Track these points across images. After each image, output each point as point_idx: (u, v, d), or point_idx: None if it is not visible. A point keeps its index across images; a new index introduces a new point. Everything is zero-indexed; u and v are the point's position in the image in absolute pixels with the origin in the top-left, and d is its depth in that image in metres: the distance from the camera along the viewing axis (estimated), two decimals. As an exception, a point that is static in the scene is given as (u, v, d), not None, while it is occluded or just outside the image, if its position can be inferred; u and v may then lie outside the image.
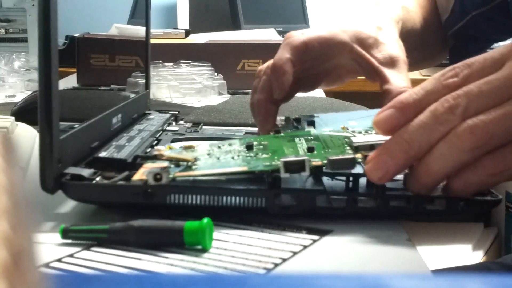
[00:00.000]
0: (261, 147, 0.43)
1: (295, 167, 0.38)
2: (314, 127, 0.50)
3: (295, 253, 0.34)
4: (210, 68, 1.03)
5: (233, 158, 0.41)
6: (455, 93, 0.37)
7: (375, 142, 0.40)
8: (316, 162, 0.39)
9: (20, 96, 0.94)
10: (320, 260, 0.33)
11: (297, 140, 0.45)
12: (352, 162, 0.38)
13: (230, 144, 0.45)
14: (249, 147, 0.43)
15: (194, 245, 0.34)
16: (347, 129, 0.47)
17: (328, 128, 0.49)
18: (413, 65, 0.79)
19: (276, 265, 0.32)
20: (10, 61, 1.18)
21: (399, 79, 0.52)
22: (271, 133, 0.50)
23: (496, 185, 0.38)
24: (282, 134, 0.48)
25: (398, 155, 0.37)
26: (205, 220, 0.34)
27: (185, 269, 0.32)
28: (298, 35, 0.53)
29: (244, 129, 0.63)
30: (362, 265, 0.33)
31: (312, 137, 0.46)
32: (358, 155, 0.39)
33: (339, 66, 0.57)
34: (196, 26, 1.81)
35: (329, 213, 0.39)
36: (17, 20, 1.58)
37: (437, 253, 0.36)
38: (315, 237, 0.36)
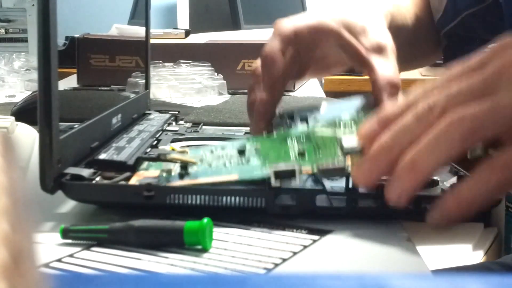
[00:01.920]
0: (253, 151, 0.43)
1: (285, 174, 0.38)
2: (307, 123, 0.50)
3: (295, 253, 0.34)
4: (210, 68, 1.03)
5: (225, 164, 0.41)
6: (436, 96, 0.37)
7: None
8: (307, 169, 0.39)
9: (20, 96, 0.94)
10: (320, 260, 0.33)
11: (289, 141, 0.45)
12: (342, 171, 0.38)
13: (222, 148, 0.45)
14: (241, 152, 0.43)
15: (194, 245, 0.34)
16: (339, 125, 0.47)
17: (321, 125, 0.48)
18: (405, 64, 0.79)
19: (276, 265, 0.32)
20: (10, 61, 1.18)
21: (385, 68, 0.51)
22: (263, 134, 0.50)
23: (499, 198, 0.36)
24: (274, 134, 0.48)
25: (380, 159, 0.36)
26: (205, 220, 0.34)
27: (185, 269, 0.32)
28: (287, 24, 0.52)
29: (244, 129, 0.63)
30: (362, 265, 0.33)
31: (304, 138, 0.46)
32: (348, 161, 0.39)
33: (327, 55, 0.56)
34: (196, 26, 1.81)
35: (329, 213, 0.39)
36: (17, 20, 1.58)
37: (437, 253, 0.36)
38: (315, 237, 0.36)
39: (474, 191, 0.35)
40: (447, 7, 0.73)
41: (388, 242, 0.36)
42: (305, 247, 0.35)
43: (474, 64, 0.38)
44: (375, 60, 0.52)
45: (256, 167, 0.40)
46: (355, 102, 0.53)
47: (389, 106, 0.39)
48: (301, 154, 0.41)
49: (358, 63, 0.53)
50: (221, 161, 0.42)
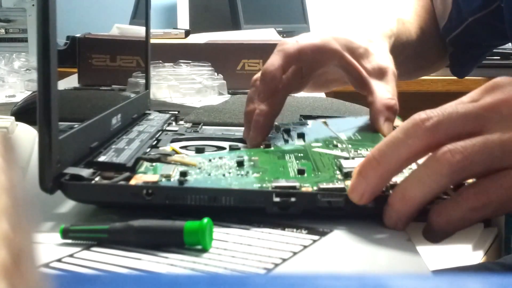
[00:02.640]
0: (252, 163, 0.44)
1: (285, 193, 0.38)
2: (304, 140, 0.51)
3: (295, 253, 0.34)
4: (210, 68, 1.03)
5: (224, 175, 0.41)
6: (429, 110, 0.37)
7: None
8: (307, 188, 0.39)
9: (20, 96, 0.94)
10: (320, 260, 0.33)
11: (287, 157, 0.45)
12: (342, 191, 0.38)
13: (220, 158, 0.45)
14: (240, 164, 0.43)
15: (194, 245, 0.34)
16: (337, 146, 0.48)
17: (318, 144, 0.49)
18: (412, 74, 0.80)
19: (276, 265, 0.32)
20: (10, 61, 1.18)
21: (384, 91, 0.53)
22: (261, 146, 0.50)
23: (479, 222, 0.37)
24: (272, 148, 0.49)
25: (369, 174, 0.36)
26: (205, 220, 0.34)
27: (185, 269, 0.32)
28: (292, 43, 0.53)
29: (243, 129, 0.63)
30: (362, 265, 0.33)
31: (302, 155, 0.46)
32: (347, 183, 0.39)
33: (327, 72, 0.58)
34: (196, 26, 1.80)
35: (329, 213, 0.39)
36: (17, 20, 1.58)
37: (437, 253, 0.36)
38: (315, 237, 0.36)
39: (455, 211, 0.36)
40: (452, 14, 0.74)
41: (388, 242, 0.36)
42: (305, 247, 0.35)
43: (466, 99, 0.38)
44: (375, 83, 0.53)
45: (256, 181, 0.40)
46: (352, 122, 0.54)
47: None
48: (301, 171, 0.41)
49: (359, 85, 0.54)
50: (219, 171, 0.42)
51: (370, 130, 0.52)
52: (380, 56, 0.55)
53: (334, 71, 0.56)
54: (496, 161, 0.35)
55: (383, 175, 0.37)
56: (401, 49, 0.64)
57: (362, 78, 0.54)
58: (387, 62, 0.55)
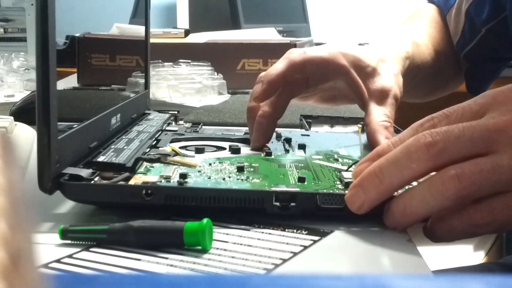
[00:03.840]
0: (252, 169, 0.44)
1: (285, 197, 0.38)
2: (305, 151, 0.51)
3: (295, 254, 0.34)
4: (210, 68, 1.03)
5: (224, 179, 0.41)
6: (434, 130, 0.36)
7: None
8: (307, 194, 0.39)
9: (19, 96, 0.94)
10: (320, 260, 0.33)
11: (287, 166, 0.46)
12: (342, 199, 0.38)
13: (220, 162, 0.45)
14: (240, 169, 0.43)
15: (194, 246, 0.34)
16: (338, 160, 0.48)
17: (318, 156, 0.50)
18: (425, 96, 0.80)
19: (276, 265, 0.32)
20: (9, 61, 1.18)
21: (380, 114, 0.53)
22: (262, 154, 0.50)
23: (480, 236, 0.37)
24: (273, 156, 0.49)
25: (369, 189, 0.37)
26: (205, 220, 0.33)
27: (185, 270, 0.31)
28: (300, 53, 0.54)
29: (244, 129, 0.63)
30: (362, 266, 0.33)
31: (302, 165, 0.46)
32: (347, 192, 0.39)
33: (335, 88, 0.58)
34: (196, 25, 1.80)
35: (329, 214, 0.38)
36: (16, 20, 1.58)
37: (438, 254, 0.36)
38: (315, 238, 0.36)
39: (458, 224, 0.36)
40: (465, 28, 0.74)
41: (389, 243, 0.36)
42: (305, 247, 0.35)
43: (474, 106, 0.37)
44: (373, 106, 0.54)
45: (256, 186, 0.40)
46: (354, 138, 0.55)
47: (383, 143, 0.40)
48: (301, 179, 0.41)
49: (359, 103, 0.55)
50: (219, 175, 0.42)
51: (369, 149, 0.53)
52: (386, 78, 0.56)
53: (342, 87, 0.57)
54: (504, 184, 0.34)
55: (384, 192, 0.37)
56: (416, 72, 0.65)
57: (363, 98, 0.54)
58: (391, 84, 0.55)
